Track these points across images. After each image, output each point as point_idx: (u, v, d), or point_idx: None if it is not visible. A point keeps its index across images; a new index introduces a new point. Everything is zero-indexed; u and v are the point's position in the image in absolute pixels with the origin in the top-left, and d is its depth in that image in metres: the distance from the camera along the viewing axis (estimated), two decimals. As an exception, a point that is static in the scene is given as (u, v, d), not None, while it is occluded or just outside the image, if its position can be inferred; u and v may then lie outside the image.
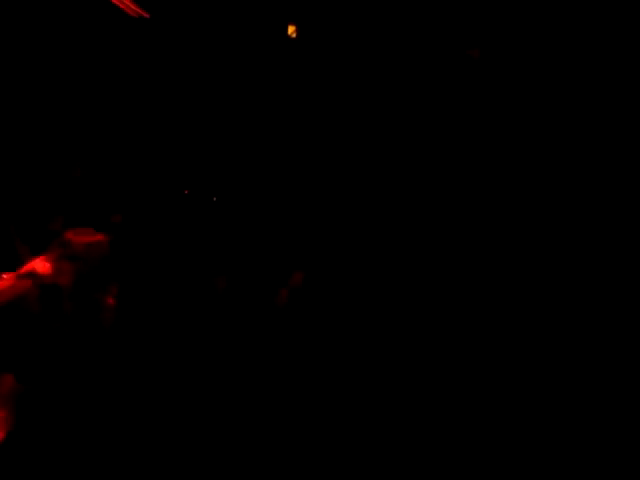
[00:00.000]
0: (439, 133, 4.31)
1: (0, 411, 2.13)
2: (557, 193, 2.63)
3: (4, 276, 2.17)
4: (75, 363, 2.65)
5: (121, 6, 4.38)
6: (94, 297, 2.78)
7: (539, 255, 2.53)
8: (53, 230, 3.91)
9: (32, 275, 2.29)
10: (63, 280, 2.44)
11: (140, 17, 4.59)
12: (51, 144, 4.41)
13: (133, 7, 4.48)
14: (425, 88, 4.59)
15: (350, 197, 4.65)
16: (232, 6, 4.89)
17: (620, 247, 2.43)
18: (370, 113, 4.91)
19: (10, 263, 3.87)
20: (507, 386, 2.47)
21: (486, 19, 3.07)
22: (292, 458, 1.82)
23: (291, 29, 5.17)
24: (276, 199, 4.67)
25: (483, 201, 3.59)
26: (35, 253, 3.65)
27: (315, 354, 3.09)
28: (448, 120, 4.06)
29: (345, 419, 2.45)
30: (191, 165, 5.22)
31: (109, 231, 4.13)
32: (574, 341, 2.41)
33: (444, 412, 2.53)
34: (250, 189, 4.74)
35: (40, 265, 2.34)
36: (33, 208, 3.99)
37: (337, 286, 3.59)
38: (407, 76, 4.70)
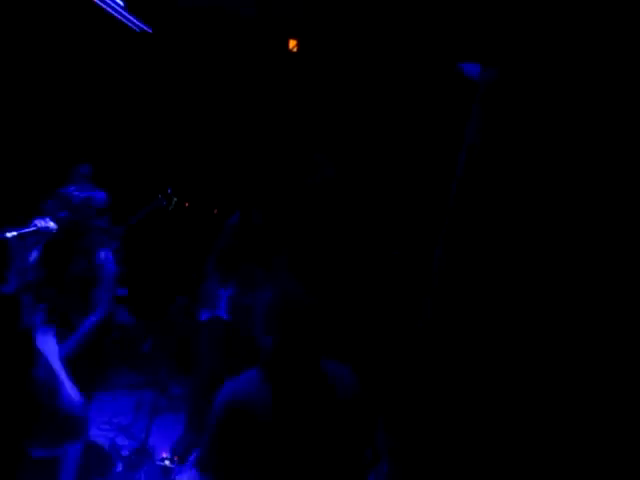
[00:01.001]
0: (438, 144, 4.36)
1: None
2: (556, 197, 2.65)
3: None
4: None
5: (125, 22, 4.46)
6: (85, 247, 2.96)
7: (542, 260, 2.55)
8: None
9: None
10: (58, 231, 2.60)
11: (143, 32, 4.67)
12: (55, 153, 4.47)
13: (136, 22, 4.55)
14: (423, 101, 4.64)
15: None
16: (233, 21, 4.96)
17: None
18: (369, 126, 4.96)
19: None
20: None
21: (483, 33, 3.11)
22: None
23: (292, 43, 5.23)
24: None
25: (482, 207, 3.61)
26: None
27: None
28: (447, 129, 4.11)
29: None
30: (188, 176, 5.27)
31: None
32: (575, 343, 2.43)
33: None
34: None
35: (40, 220, 2.51)
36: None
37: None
38: (406, 90, 4.75)
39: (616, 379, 2.35)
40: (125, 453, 3.58)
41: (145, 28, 4.69)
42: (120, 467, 3.40)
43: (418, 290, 2.86)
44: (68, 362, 1.53)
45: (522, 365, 2.47)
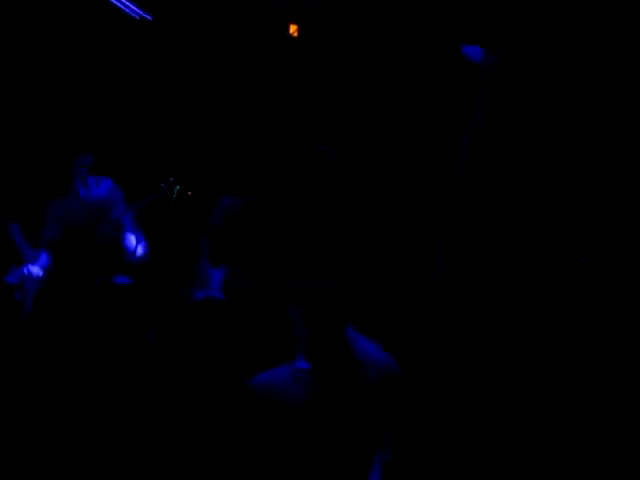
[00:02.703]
0: (438, 132, 4.34)
1: None
2: (557, 196, 2.65)
3: None
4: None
5: (125, 9, 4.43)
6: None
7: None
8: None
9: None
10: None
11: (143, 19, 4.64)
12: (56, 143, 4.47)
13: (136, 10, 4.52)
14: (423, 87, 4.62)
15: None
16: (234, 8, 4.93)
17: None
18: (368, 112, 4.94)
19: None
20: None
21: (485, 18, 3.10)
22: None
23: (293, 28, 5.20)
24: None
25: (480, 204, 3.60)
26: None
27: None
28: (447, 120, 4.10)
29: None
30: (190, 164, 5.27)
31: None
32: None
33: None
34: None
35: None
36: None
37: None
38: (406, 76, 4.73)
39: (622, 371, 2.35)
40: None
41: (145, 16, 4.67)
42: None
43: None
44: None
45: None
